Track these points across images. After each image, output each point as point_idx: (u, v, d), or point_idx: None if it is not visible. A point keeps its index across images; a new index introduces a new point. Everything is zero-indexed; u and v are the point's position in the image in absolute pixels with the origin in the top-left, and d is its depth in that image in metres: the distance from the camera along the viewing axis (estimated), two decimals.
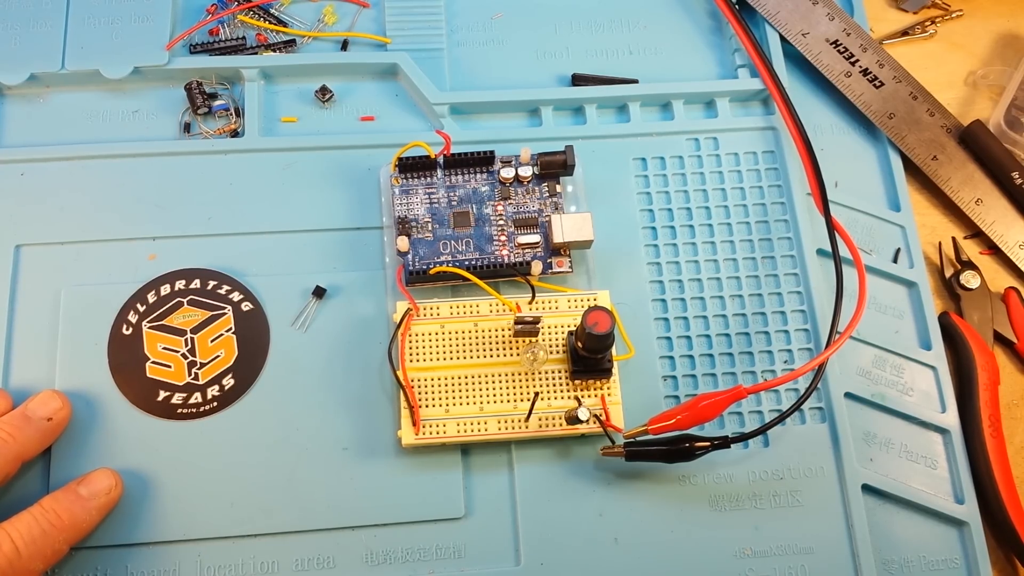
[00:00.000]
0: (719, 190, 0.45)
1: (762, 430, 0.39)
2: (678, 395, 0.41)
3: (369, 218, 0.43)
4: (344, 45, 0.47)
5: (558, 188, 0.43)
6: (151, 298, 0.41)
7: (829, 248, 0.42)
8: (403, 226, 0.41)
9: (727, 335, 0.42)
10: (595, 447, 0.39)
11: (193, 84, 0.45)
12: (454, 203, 0.42)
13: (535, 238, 0.41)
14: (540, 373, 0.39)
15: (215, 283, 0.41)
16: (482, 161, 0.42)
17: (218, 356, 0.40)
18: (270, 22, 0.47)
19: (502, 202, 0.42)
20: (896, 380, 0.42)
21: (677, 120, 0.46)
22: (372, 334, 0.41)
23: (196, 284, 0.41)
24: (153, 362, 0.40)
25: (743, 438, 0.39)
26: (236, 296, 0.41)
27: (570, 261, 0.41)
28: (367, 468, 0.39)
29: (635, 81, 0.47)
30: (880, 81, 0.47)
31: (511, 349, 0.39)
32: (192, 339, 0.40)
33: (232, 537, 0.38)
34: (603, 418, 0.38)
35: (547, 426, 0.38)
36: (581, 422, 0.37)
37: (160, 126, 0.45)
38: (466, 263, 0.41)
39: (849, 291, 0.41)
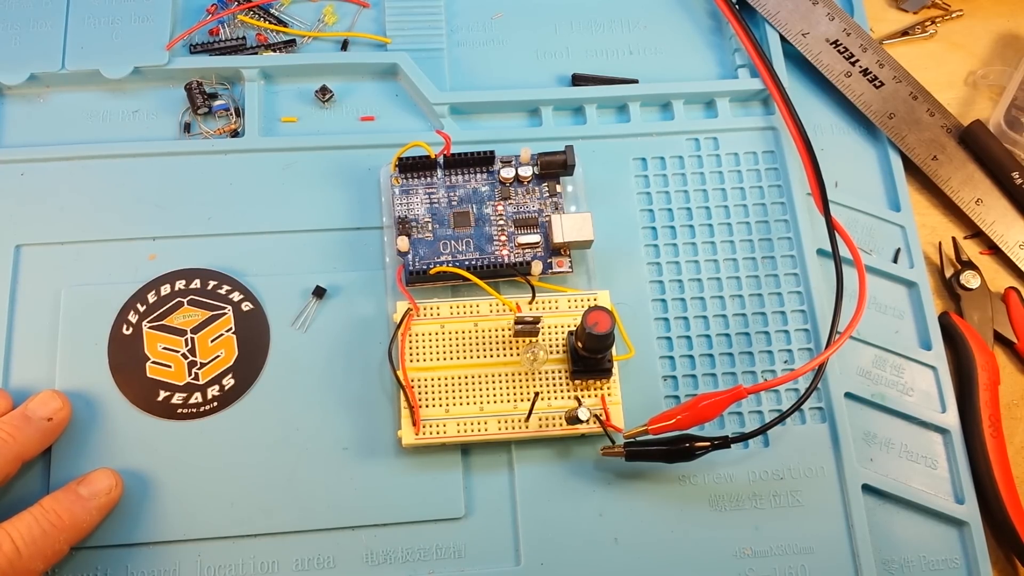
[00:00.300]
0: (719, 190, 0.45)
1: (762, 430, 0.39)
2: (678, 395, 0.41)
3: (369, 218, 0.43)
4: (344, 45, 0.47)
5: (558, 188, 0.43)
6: (151, 298, 0.41)
7: (829, 248, 0.42)
8: (403, 226, 0.41)
9: (727, 335, 0.42)
10: (595, 447, 0.39)
11: (193, 84, 0.45)
12: (454, 203, 0.42)
13: (535, 238, 0.41)
14: (540, 373, 0.39)
15: (215, 283, 0.41)
16: (482, 161, 0.42)
17: (218, 356, 0.40)
18: (270, 22, 0.47)
19: (502, 202, 0.42)
20: (896, 380, 0.42)
21: (677, 120, 0.46)
22: (372, 334, 0.41)
23: (196, 284, 0.41)
24: (153, 362, 0.40)
25: (743, 438, 0.39)
26: (236, 296, 0.41)
27: (570, 261, 0.41)
28: (367, 468, 0.39)
29: (635, 81, 0.47)
30: (880, 81, 0.47)
31: (511, 349, 0.39)
32: (192, 339, 0.40)
33: (232, 537, 0.38)
34: (603, 418, 0.38)
35: (547, 426, 0.38)
36: (581, 422, 0.37)
37: (160, 126, 0.45)
38: (466, 263, 0.41)
39: (849, 291, 0.41)
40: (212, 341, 0.40)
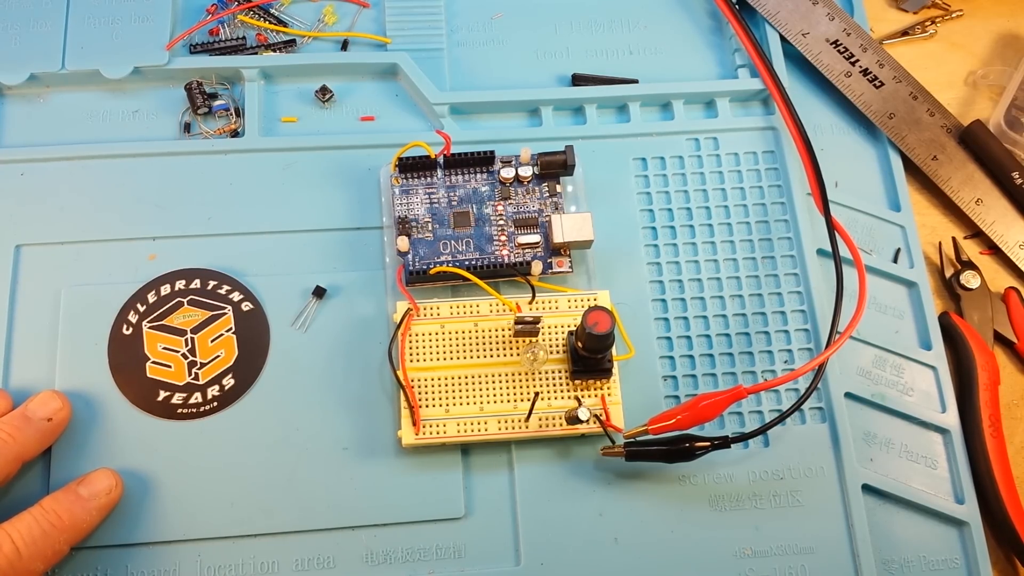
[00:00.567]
0: (719, 190, 0.45)
1: (762, 430, 0.39)
2: (678, 395, 0.41)
3: (369, 218, 0.43)
4: (344, 45, 0.47)
5: (558, 188, 0.43)
6: (151, 298, 0.41)
7: (829, 248, 0.42)
8: (403, 226, 0.41)
9: (727, 335, 0.42)
10: (595, 447, 0.39)
11: (193, 84, 0.45)
12: (454, 203, 0.42)
13: (535, 238, 0.41)
14: (540, 373, 0.39)
15: (215, 283, 0.41)
16: (482, 161, 0.42)
17: (218, 356, 0.40)
18: (270, 22, 0.47)
19: (502, 202, 0.42)
20: (896, 380, 0.42)
21: (677, 120, 0.46)
22: (372, 334, 0.41)
23: (196, 284, 0.41)
24: (153, 362, 0.40)
25: (743, 438, 0.39)
26: (236, 296, 0.41)
27: (570, 261, 0.41)
28: (367, 468, 0.39)
29: (635, 81, 0.47)
30: (880, 81, 0.47)
31: (511, 349, 0.39)
32: (192, 339, 0.40)
33: (232, 537, 0.38)
34: (603, 418, 0.38)
35: (547, 426, 0.38)
36: (581, 422, 0.37)
37: (160, 126, 0.45)
38: (466, 263, 0.41)
39: (849, 291, 0.41)
40: (212, 341, 0.40)
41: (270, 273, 0.42)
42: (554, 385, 0.39)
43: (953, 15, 0.52)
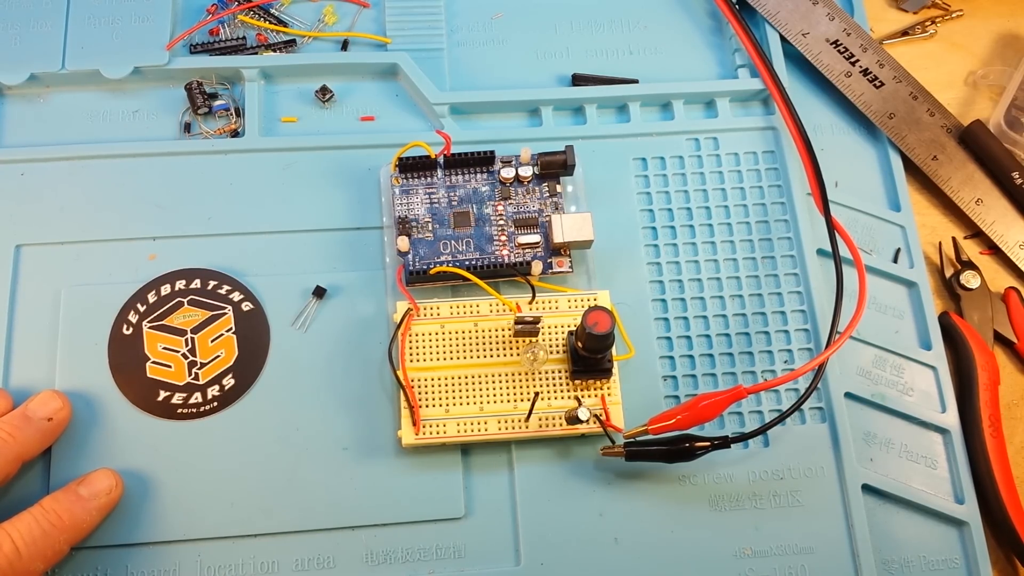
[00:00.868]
0: (719, 190, 0.45)
1: (762, 430, 0.39)
2: (678, 395, 0.41)
3: (369, 218, 0.43)
4: (344, 45, 0.47)
5: (558, 188, 0.43)
6: (151, 298, 0.41)
7: (829, 248, 0.42)
8: (403, 226, 0.41)
9: (727, 335, 0.42)
10: (595, 447, 0.39)
11: (193, 84, 0.45)
12: (454, 203, 0.42)
13: (535, 238, 0.41)
14: (540, 373, 0.39)
15: (215, 283, 0.41)
16: (482, 161, 0.42)
17: (218, 356, 0.40)
18: (270, 22, 0.47)
19: (502, 202, 0.42)
20: (896, 380, 0.42)
21: (677, 120, 0.46)
22: (372, 334, 0.41)
23: (196, 284, 0.41)
24: (153, 362, 0.40)
25: (743, 438, 0.39)
26: (236, 296, 0.41)
27: (570, 261, 0.41)
28: (367, 468, 0.39)
29: (635, 81, 0.47)
30: (880, 81, 0.47)
31: (511, 349, 0.39)
32: (192, 339, 0.40)
33: (232, 537, 0.38)
34: (603, 418, 0.38)
35: (547, 426, 0.38)
36: (581, 422, 0.37)
37: (160, 126, 0.45)
38: (466, 263, 0.41)
39: (849, 291, 0.41)
40: (212, 341, 0.40)
41: (270, 273, 0.42)
42: (554, 385, 0.39)
43: (953, 15, 0.52)
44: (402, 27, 0.47)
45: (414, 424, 0.38)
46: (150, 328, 0.40)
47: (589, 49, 0.48)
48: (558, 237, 0.40)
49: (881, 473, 0.40)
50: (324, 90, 0.46)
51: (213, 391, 0.40)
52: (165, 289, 0.41)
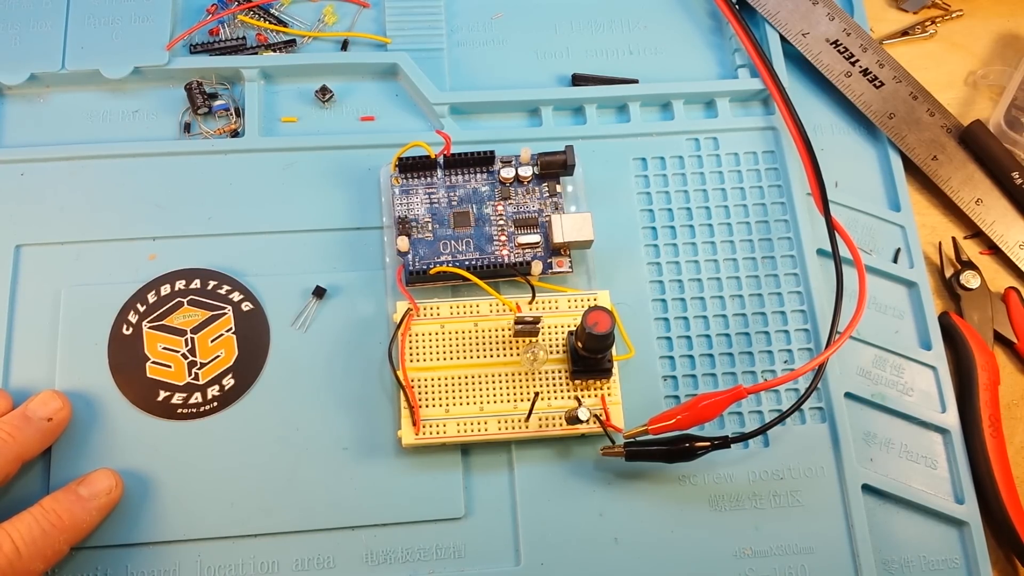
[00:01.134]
0: (719, 190, 0.45)
1: (762, 430, 0.39)
2: (678, 395, 0.41)
3: (369, 218, 0.43)
4: (344, 45, 0.47)
5: (558, 188, 0.43)
6: (151, 298, 0.41)
7: (829, 248, 0.42)
8: (403, 226, 0.41)
9: (727, 335, 0.42)
10: (595, 447, 0.39)
11: (193, 84, 0.45)
12: (454, 203, 0.42)
13: (535, 238, 0.41)
14: (540, 373, 0.39)
15: (215, 283, 0.41)
16: (482, 161, 0.42)
17: (218, 356, 0.40)
18: (270, 22, 0.47)
19: (502, 202, 0.42)
20: (896, 380, 0.42)
21: (677, 120, 0.46)
22: (372, 334, 0.41)
23: (196, 284, 0.41)
24: (153, 362, 0.40)
25: (743, 438, 0.39)
26: (236, 296, 0.41)
27: (570, 261, 0.41)
28: (367, 468, 0.39)
29: (635, 81, 0.47)
30: (880, 81, 0.47)
31: (511, 349, 0.39)
32: (192, 339, 0.40)
33: (232, 537, 0.38)
34: (603, 418, 0.38)
35: (547, 426, 0.38)
36: (581, 422, 0.37)
37: (160, 126, 0.45)
38: (466, 263, 0.41)
39: (849, 291, 0.41)
40: (212, 341, 0.40)
41: (270, 273, 0.42)
42: (554, 385, 0.39)
43: (953, 15, 0.52)
44: (402, 27, 0.47)
45: (414, 424, 0.38)
46: (150, 328, 0.40)
47: (589, 49, 0.48)
48: (558, 237, 0.40)
49: (881, 473, 0.40)
50: (324, 90, 0.46)
51: (213, 391, 0.40)
52: (165, 289, 0.41)
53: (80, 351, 0.40)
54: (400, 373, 0.39)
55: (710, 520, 0.39)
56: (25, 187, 0.42)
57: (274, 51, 0.47)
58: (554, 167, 0.42)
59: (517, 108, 0.46)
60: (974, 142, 0.46)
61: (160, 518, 0.38)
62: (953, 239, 0.46)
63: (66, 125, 0.44)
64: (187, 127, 0.45)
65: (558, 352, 0.39)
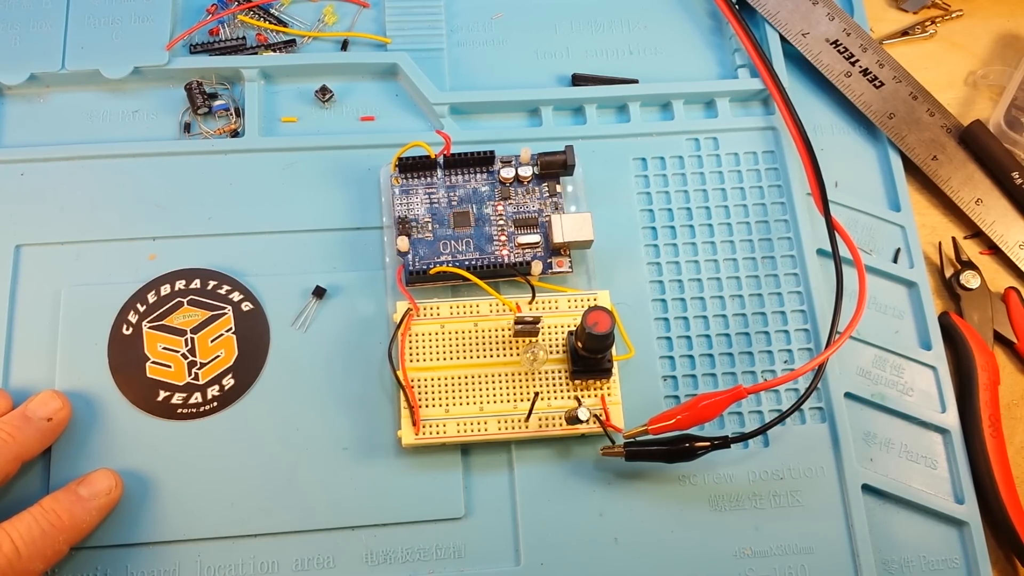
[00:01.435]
0: (719, 190, 0.45)
1: (762, 430, 0.39)
2: (678, 395, 0.41)
3: (369, 218, 0.43)
4: (344, 45, 0.47)
5: (558, 188, 0.43)
6: (151, 298, 0.41)
7: (829, 248, 0.42)
8: (403, 226, 0.41)
9: (727, 335, 0.42)
10: (595, 447, 0.39)
11: (193, 84, 0.45)
12: (454, 203, 0.42)
13: (535, 238, 0.41)
14: (540, 373, 0.39)
15: (215, 283, 0.41)
16: (482, 161, 0.42)
17: (218, 356, 0.40)
18: (270, 22, 0.47)
19: (502, 202, 0.42)
20: (896, 380, 0.42)
21: (677, 120, 0.46)
22: (372, 334, 0.41)
23: (196, 284, 0.41)
24: (153, 362, 0.40)
25: (743, 438, 0.39)
26: (236, 296, 0.41)
27: (570, 261, 0.41)
28: (367, 468, 0.39)
29: (635, 81, 0.47)
30: (880, 81, 0.47)
31: (511, 349, 0.39)
32: (192, 339, 0.40)
33: (232, 537, 0.38)
34: (603, 418, 0.38)
35: (547, 426, 0.38)
36: (581, 422, 0.37)
37: (160, 126, 0.45)
38: (466, 263, 0.41)
39: (849, 291, 0.41)
40: (212, 341, 0.40)
41: (270, 273, 0.42)
42: (554, 385, 0.39)
43: (953, 15, 0.52)
44: (402, 27, 0.47)
45: (414, 424, 0.38)
46: (150, 328, 0.40)
47: (589, 49, 0.48)
48: (558, 237, 0.40)
49: (881, 473, 0.40)
50: (324, 90, 0.46)
51: (213, 391, 0.40)
52: (165, 289, 0.41)
53: (80, 351, 0.40)
54: (400, 373, 0.39)
55: (710, 520, 0.39)
56: (25, 187, 0.42)
57: (274, 51, 0.47)
58: (554, 167, 0.42)
59: (517, 108, 0.46)
60: (974, 142, 0.46)
61: (160, 518, 0.38)
62: (953, 239, 0.46)
63: (66, 125, 0.44)
64: (187, 127, 0.45)
65: (558, 352, 0.39)
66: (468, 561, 0.38)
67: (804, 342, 0.42)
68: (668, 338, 0.42)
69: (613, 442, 0.38)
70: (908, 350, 0.43)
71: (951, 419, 0.42)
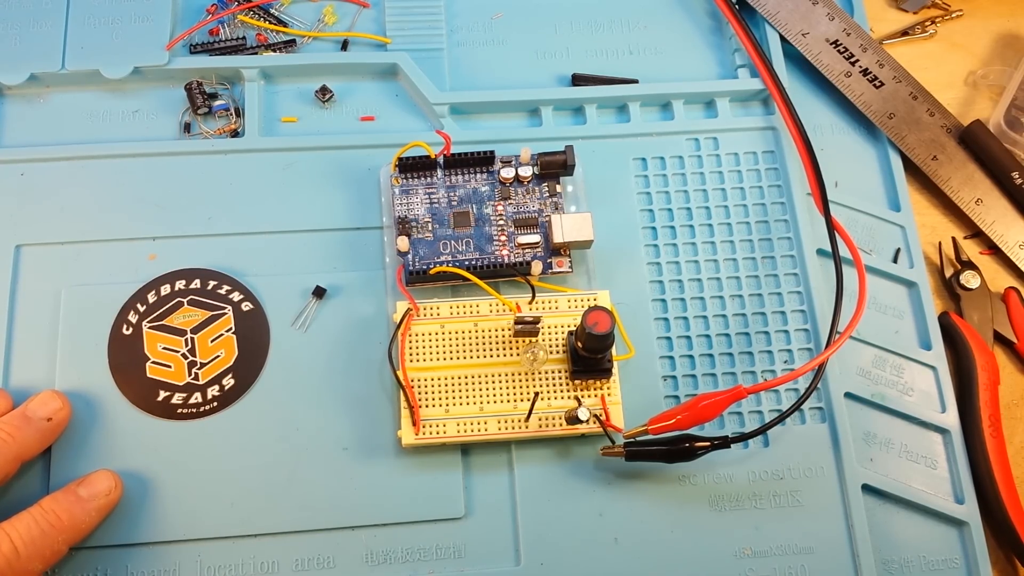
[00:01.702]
0: (719, 190, 0.45)
1: (762, 430, 0.39)
2: (678, 395, 0.41)
3: (369, 218, 0.43)
4: (344, 45, 0.47)
5: (558, 188, 0.43)
6: (151, 298, 0.41)
7: (829, 248, 0.42)
8: (403, 226, 0.41)
9: (727, 335, 0.42)
10: (595, 447, 0.39)
11: (193, 84, 0.45)
12: (454, 203, 0.42)
13: (535, 238, 0.41)
14: (540, 373, 0.39)
15: (215, 283, 0.41)
16: (482, 161, 0.42)
17: (218, 356, 0.40)
18: (270, 22, 0.47)
19: (502, 202, 0.42)
20: (896, 380, 0.42)
21: (677, 120, 0.46)
22: (372, 334, 0.41)
23: (196, 284, 0.41)
24: (153, 362, 0.40)
25: (743, 438, 0.39)
26: (236, 296, 0.41)
27: (570, 261, 0.41)
28: (367, 468, 0.39)
29: (635, 81, 0.47)
30: (880, 81, 0.47)
31: (511, 349, 0.39)
32: (192, 339, 0.40)
33: (232, 537, 0.38)
34: (603, 418, 0.38)
35: (547, 426, 0.38)
36: (581, 422, 0.37)
37: (160, 126, 0.45)
38: (466, 263, 0.41)
39: (849, 291, 0.41)
40: (212, 341, 0.40)
41: (270, 273, 0.42)
42: (554, 385, 0.39)
43: (953, 15, 0.52)
44: (402, 27, 0.47)
45: (414, 424, 0.38)
46: (150, 328, 0.40)
47: (589, 49, 0.48)
48: (558, 237, 0.40)
49: (881, 473, 0.40)
50: (324, 90, 0.46)
51: (213, 391, 0.40)
52: (165, 289, 0.41)
53: (80, 351, 0.40)
54: (400, 373, 0.39)
55: (710, 520, 0.39)
56: (25, 187, 0.42)
57: (274, 51, 0.47)
58: (554, 167, 0.42)
59: (517, 108, 0.46)
60: (974, 142, 0.46)
61: (160, 518, 0.38)
62: (953, 239, 0.46)
63: (66, 125, 0.44)
64: (187, 127, 0.45)
65: (558, 352, 0.39)
66: (468, 561, 0.38)
67: (804, 342, 0.42)
68: (668, 338, 0.42)
69: (613, 442, 0.38)
70: (908, 350, 0.43)
71: (951, 419, 0.42)
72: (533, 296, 0.40)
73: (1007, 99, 0.48)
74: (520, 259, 0.41)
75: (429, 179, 0.42)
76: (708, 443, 0.38)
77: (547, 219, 0.42)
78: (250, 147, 0.44)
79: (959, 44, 0.51)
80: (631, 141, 0.45)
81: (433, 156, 0.42)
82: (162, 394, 0.39)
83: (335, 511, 0.38)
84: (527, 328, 0.39)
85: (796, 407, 0.39)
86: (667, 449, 0.38)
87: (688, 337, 0.42)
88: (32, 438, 0.37)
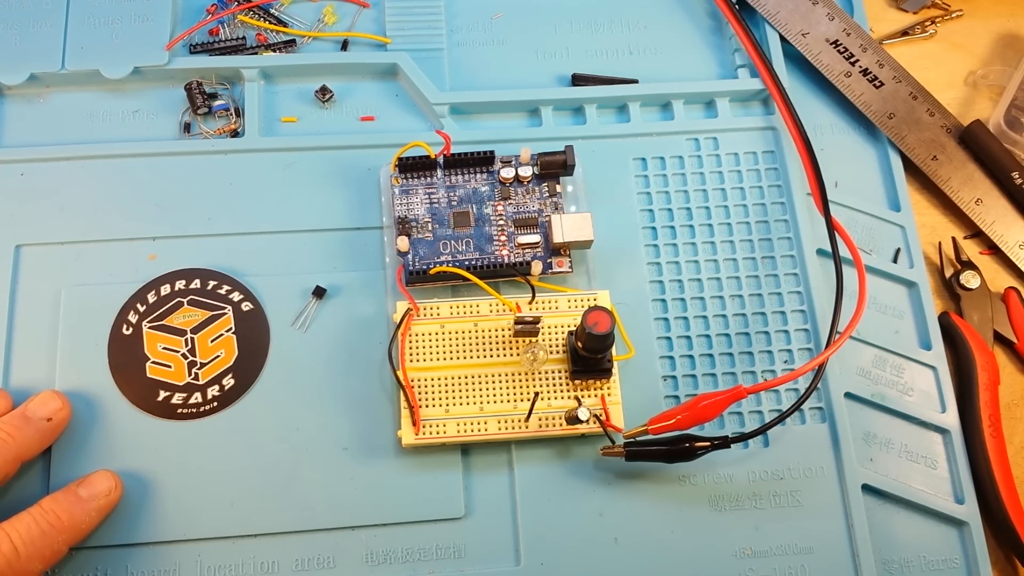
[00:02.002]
0: (719, 190, 0.45)
1: (762, 430, 0.39)
2: (678, 395, 0.41)
3: (369, 218, 0.43)
4: (344, 45, 0.47)
5: (558, 188, 0.43)
6: (151, 298, 0.41)
7: (829, 248, 0.42)
8: (403, 226, 0.41)
9: (727, 335, 0.42)
10: (595, 447, 0.39)
11: (193, 84, 0.45)
12: (454, 203, 0.42)
13: (535, 238, 0.41)
14: (540, 373, 0.39)
15: (215, 283, 0.41)
16: (482, 161, 0.42)
17: (218, 356, 0.40)
18: (270, 22, 0.47)
19: (502, 202, 0.42)
20: (896, 380, 0.42)
21: (677, 120, 0.46)
22: (372, 334, 0.41)
23: (196, 284, 0.41)
24: (153, 362, 0.40)
25: (743, 438, 0.39)
26: (236, 296, 0.41)
27: (570, 261, 0.41)
28: (367, 468, 0.39)
29: (635, 81, 0.47)
30: (880, 81, 0.47)
31: (511, 349, 0.39)
32: (192, 339, 0.40)
33: (232, 537, 0.38)
34: (603, 418, 0.38)
35: (547, 426, 0.38)
36: (581, 422, 0.37)
37: (160, 126, 0.45)
38: (466, 263, 0.41)
39: (849, 291, 0.41)
40: (212, 341, 0.40)
41: (270, 273, 0.42)
42: (554, 385, 0.39)
43: (953, 15, 0.52)
44: (402, 27, 0.47)
45: (414, 424, 0.38)
46: (150, 328, 0.40)
47: (589, 49, 0.48)
48: (558, 237, 0.40)
49: (881, 473, 0.40)
50: (324, 90, 0.46)
51: (213, 391, 0.40)
52: (165, 289, 0.41)
53: (80, 351, 0.40)
54: (400, 373, 0.39)
55: (710, 520, 0.39)
56: (25, 187, 0.42)
57: (274, 51, 0.47)
58: (554, 167, 0.42)
59: (517, 108, 0.46)
60: (974, 142, 0.46)
61: (160, 518, 0.38)
62: (953, 239, 0.46)
63: (66, 125, 0.44)
64: (187, 127, 0.45)
65: (558, 352, 0.39)
66: (468, 561, 0.38)
67: (804, 342, 0.42)
68: (668, 338, 0.42)
69: (613, 442, 0.38)
70: (908, 350, 0.43)
71: (951, 419, 0.42)
72: (533, 296, 0.40)
73: (1007, 99, 0.48)
74: (520, 259, 0.41)
75: (429, 179, 0.42)
76: (708, 443, 0.38)
77: (547, 219, 0.42)
78: (250, 147, 0.44)
79: (959, 44, 0.51)
80: (631, 141, 0.45)
81: (433, 156, 0.42)
82: (162, 394, 0.39)
83: (335, 511, 0.38)
84: (527, 328, 0.39)
85: (796, 407, 0.39)
86: (667, 449, 0.38)
87: (688, 337, 0.42)
88: (32, 438, 0.37)
